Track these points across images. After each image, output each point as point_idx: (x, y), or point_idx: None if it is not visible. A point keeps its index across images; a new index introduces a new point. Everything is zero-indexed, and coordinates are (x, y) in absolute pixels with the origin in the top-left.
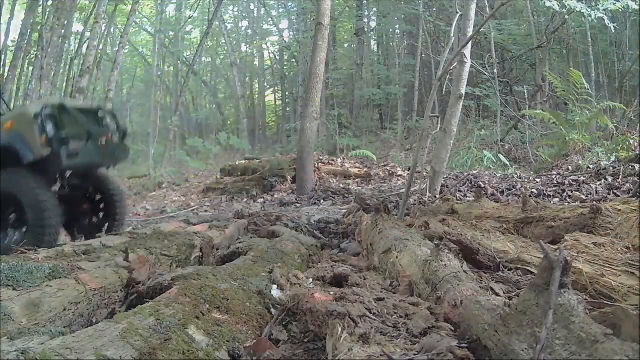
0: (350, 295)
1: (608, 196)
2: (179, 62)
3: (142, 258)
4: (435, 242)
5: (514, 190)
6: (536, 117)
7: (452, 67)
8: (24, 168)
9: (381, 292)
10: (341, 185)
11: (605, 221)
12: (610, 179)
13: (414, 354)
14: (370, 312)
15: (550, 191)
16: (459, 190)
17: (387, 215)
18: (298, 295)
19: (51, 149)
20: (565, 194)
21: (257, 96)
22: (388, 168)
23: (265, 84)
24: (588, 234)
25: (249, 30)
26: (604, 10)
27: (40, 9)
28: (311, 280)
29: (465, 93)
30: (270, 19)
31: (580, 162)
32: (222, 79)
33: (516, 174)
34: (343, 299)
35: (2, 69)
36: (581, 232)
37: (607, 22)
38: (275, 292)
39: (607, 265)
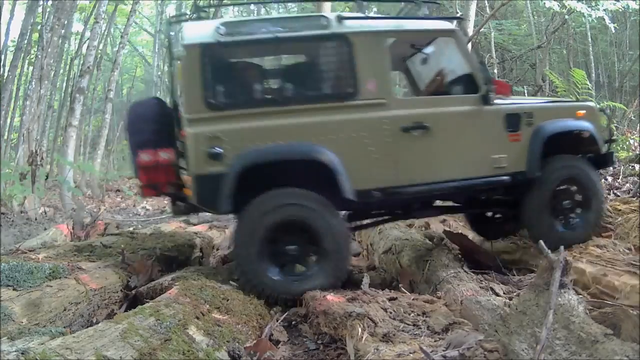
0: (363, 295)
1: (608, 196)
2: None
3: (141, 263)
4: (435, 242)
5: None
6: None
7: None
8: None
9: (390, 291)
10: None
11: (605, 221)
12: (610, 179)
13: (444, 350)
14: (387, 312)
15: None
16: None
17: None
18: (307, 297)
19: (609, 149)
20: None
21: None
22: None
23: None
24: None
25: None
26: (604, 10)
27: (40, 9)
28: None
29: None
30: None
31: None
32: None
33: None
34: (356, 299)
35: (2, 69)
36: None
37: (607, 22)
38: None
39: (609, 265)
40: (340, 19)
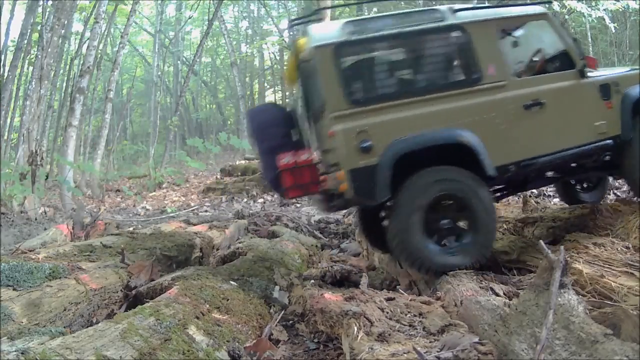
0: (361, 294)
1: (608, 196)
2: (179, 62)
3: (140, 263)
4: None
5: None
6: None
7: None
8: None
9: (389, 291)
10: None
11: (605, 222)
12: (610, 179)
13: (438, 351)
14: (383, 312)
15: (550, 191)
16: None
17: None
18: (305, 295)
19: None
20: None
21: (257, 96)
22: None
23: (265, 84)
24: (588, 234)
25: (249, 30)
26: (604, 10)
27: (40, 9)
28: (312, 280)
29: None
30: (270, 19)
31: None
32: (222, 79)
33: None
34: (353, 298)
35: (2, 69)
36: (581, 232)
37: (607, 22)
38: (277, 293)
39: (606, 265)
40: (454, 11)
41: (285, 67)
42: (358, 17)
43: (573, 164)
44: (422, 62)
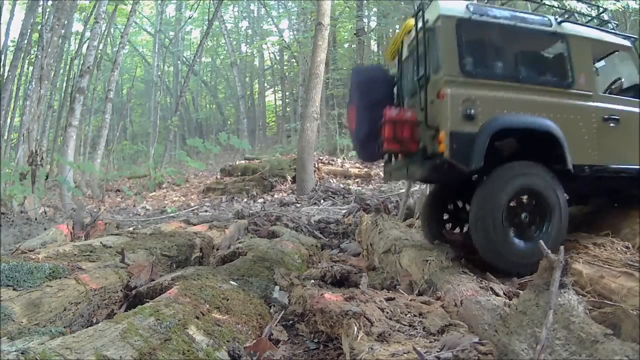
0: (361, 294)
1: None
2: (179, 62)
3: (141, 264)
4: (435, 242)
5: None
6: None
7: None
8: None
9: (388, 291)
10: (341, 185)
11: (606, 222)
12: None
13: (438, 351)
14: (383, 312)
15: None
16: None
17: (387, 215)
18: (305, 295)
19: None
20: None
21: (257, 96)
22: None
23: (265, 84)
24: (588, 234)
25: (249, 30)
26: (604, 10)
27: (40, 9)
28: (312, 280)
29: None
30: (270, 19)
31: None
32: (222, 79)
33: None
34: (353, 298)
35: (2, 69)
36: (581, 232)
37: None
38: (277, 293)
39: (606, 265)
40: (560, 22)
41: (390, 44)
42: (479, 3)
43: (627, 185)
44: (527, 55)
